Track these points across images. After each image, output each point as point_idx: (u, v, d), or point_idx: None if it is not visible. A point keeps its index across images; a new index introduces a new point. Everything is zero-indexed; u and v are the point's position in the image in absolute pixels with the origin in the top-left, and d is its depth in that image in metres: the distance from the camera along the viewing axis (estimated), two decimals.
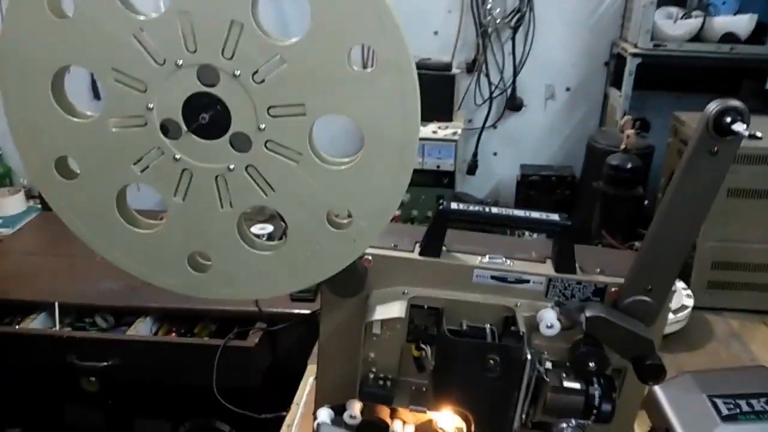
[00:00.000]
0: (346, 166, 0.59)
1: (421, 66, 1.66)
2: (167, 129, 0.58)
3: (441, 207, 0.68)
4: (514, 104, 1.96)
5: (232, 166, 0.59)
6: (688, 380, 0.97)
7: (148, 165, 0.59)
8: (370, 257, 0.69)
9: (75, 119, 0.59)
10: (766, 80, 1.66)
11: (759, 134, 0.58)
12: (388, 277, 0.69)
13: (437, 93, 1.62)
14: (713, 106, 0.60)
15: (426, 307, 0.69)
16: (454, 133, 1.55)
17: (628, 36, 1.72)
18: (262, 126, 0.58)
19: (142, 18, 0.55)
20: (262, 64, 0.55)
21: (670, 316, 1.16)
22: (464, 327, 0.68)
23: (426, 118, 1.63)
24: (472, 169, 2.03)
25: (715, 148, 0.60)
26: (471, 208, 0.68)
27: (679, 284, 1.24)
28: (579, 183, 1.59)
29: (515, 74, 1.92)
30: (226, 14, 0.54)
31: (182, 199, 0.60)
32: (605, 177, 1.34)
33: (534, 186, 1.77)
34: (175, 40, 0.55)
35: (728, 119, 0.58)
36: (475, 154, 2.02)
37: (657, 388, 0.97)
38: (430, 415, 0.72)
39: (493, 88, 1.94)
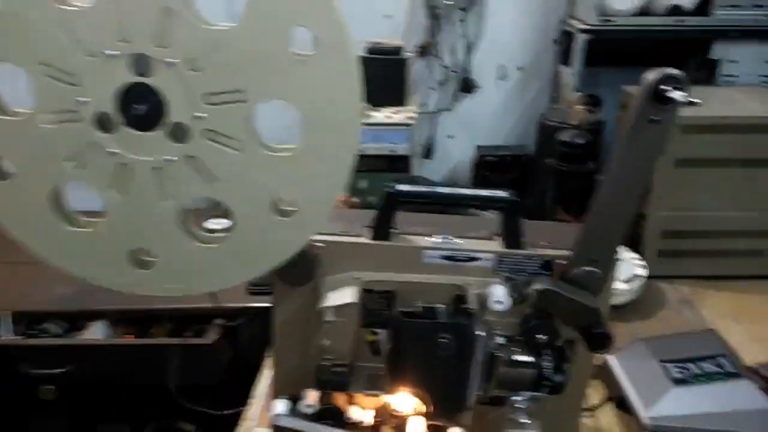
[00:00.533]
0: (289, 152, 0.59)
1: (372, 50, 1.66)
2: (101, 122, 0.57)
3: (389, 189, 0.69)
4: (467, 86, 1.97)
5: (170, 158, 0.58)
6: (641, 347, 1.00)
7: (83, 161, 0.58)
8: (321, 244, 0.69)
9: (4, 117, 0.57)
10: (709, 51, 1.71)
11: (697, 101, 0.60)
12: (340, 263, 0.70)
13: (389, 77, 1.62)
14: (652, 76, 0.61)
15: (379, 290, 0.70)
16: (409, 118, 1.56)
17: (576, 12, 1.74)
18: (201, 115, 0.57)
19: (70, 8, 0.54)
20: (198, 52, 0.55)
21: (624, 286, 1.19)
22: (417, 308, 0.69)
23: (379, 103, 1.65)
24: (428, 152, 2.04)
25: (655, 117, 0.62)
26: (418, 188, 0.69)
27: (632, 255, 1.28)
28: (534, 161, 1.62)
29: (468, 56, 1.94)
30: (159, 1, 0.53)
31: (120, 195, 0.59)
32: (557, 153, 1.37)
33: (490, 167, 1.79)
34: (107, 30, 0.54)
35: (666, 87, 0.60)
36: (430, 138, 2.03)
37: (610, 357, 1.00)
38: (388, 398, 0.73)
39: (446, 70, 1.95)
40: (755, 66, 1.74)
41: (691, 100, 0.59)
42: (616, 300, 1.19)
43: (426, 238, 0.72)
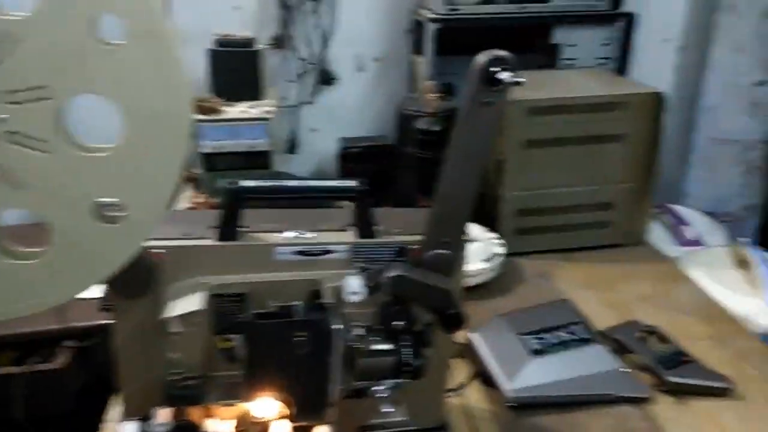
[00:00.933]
0: (107, 152, 0.54)
1: (222, 43, 1.59)
2: None
3: (230, 186, 0.66)
4: (325, 78, 1.96)
5: None
6: (500, 322, 1.04)
7: None
8: (160, 249, 0.65)
9: None
10: (550, 36, 1.82)
11: (521, 80, 0.62)
12: (184, 269, 0.66)
13: (242, 71, 1.56)
14: (481, 59, 0.63)
15: (229, 294, 0.66)
16: (266, 112, 1.52)
17: (425, 2, 1.78)
18: (1, 116, 0.51)
19: None
20: None
21: (484, 265, 1.24)
22: (272, 309, 0.66)
23: (233, 98, 1.59)
24: (292, 147, 2.00)
25: (487, 99, 0.63)
26: (262, 184, 0.66)
27: (490, 234, 1.33)
28: (395, 150, 1.65)
29: (323, 48, 1.92)
30: None
31: None
32: (415, 141, 1.40)
33: (355, 159, 1.79)
34: None
35: (495, 69, 0.62)
36: (293, 132, 1.99)
37: (473, 335, 1.04)
38: (248, 405, 0.70)
39: (303, 63, 1.92)
40: (592, 49, 1.87)
41: (518, 80, 0.61)
42: (478, 279, 1.23)
43: (277, 234, 0.69)
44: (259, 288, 0.67)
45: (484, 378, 0.99)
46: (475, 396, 0.98)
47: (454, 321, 0.66)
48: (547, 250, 1.40)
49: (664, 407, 0.96)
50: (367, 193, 0.69)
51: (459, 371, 1.01)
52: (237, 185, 0.65)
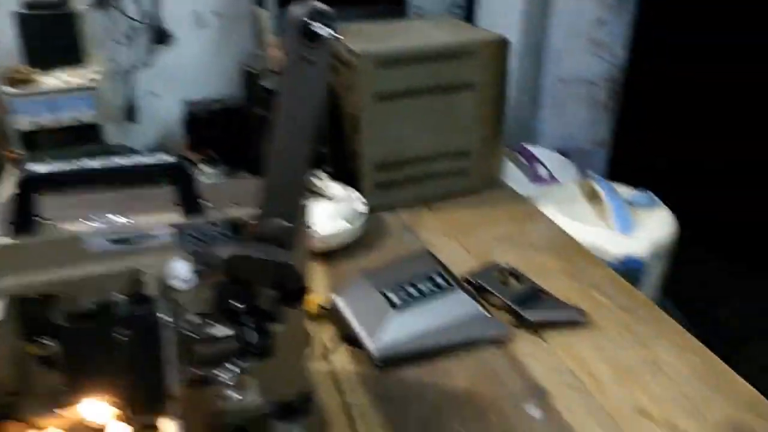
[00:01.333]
0: None
1: (31, 5, 1.40)
2: None
3: (20, 174, 0.56)
4: (160, 37, 1.81)
5: None
6: (361, 281, 1.03)
7: None
8: None
9: None
10: None
11: (340, 36, 0.59)
12: None
13: (58, 35, 1.39)
14: (296, 11, 0.58)
15: (35, 296, 0.58)
16: (91, 80, 1.37)
17: None
18: None
19: None
20: None
21: (347, 225, 1.21)
22: (88, 307, 0.59)
23: (49, 66, 1.42)
24: (131, 115, 1.85)
25: (308, 56, 0.59)
26: (59, 168, 0.58)
27: (352, 192, 1.31)
28: (245, 111, 1.56)
29: (155, 4, 1.76)
30: None
31: None
32: (261, 101, 1.32)
33: (202, 123, 1.68)
34: None
35: (312, 23, 0.58)
36: (130, 99, 1.84)
37: (336, 297, 1.02)
38: (81, 410, 0.63)
39: (132, 22, 1.76)
40: None
41: (336, 35, 0.57)
42: (342, 240, 1.21)
43: (87, 222, 0.61)
44: (72, 285, 0.59)
45: (350, 340, 0.98)
46: (341, 359, 0.96)
47: (295, 295, 0.63)
48: (408, 203, 1.40)
49: (524, 344, 1.00)
50: (184, 169, 0.63)
51: (326, 335, 0.99)
52: (27, 172, 0.56)
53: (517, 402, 0.89)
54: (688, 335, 1.02)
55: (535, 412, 0.87)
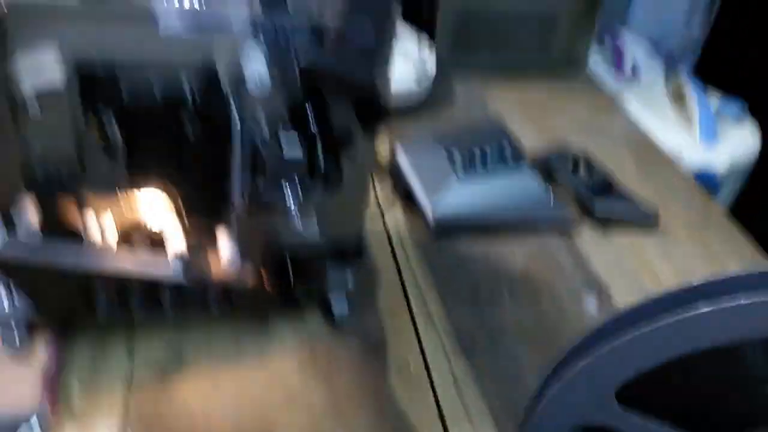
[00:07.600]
0: None
1: None
2: None
3: None
4: None
5: None
6: (427, 138, 0.99)
7: None
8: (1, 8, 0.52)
9: None
10: None
11: None
12: (36, 35, 0.53)
13: None
14: None
15: (99, 70, 0.55)
16: None
17: None
18: None
19: None
20: None
21: (415, 87, 1.16)
22: (153, 91, 0.56)
23: None
24: None
25: None
26: None
27: (424, 50, 1.24)
28: None
29: None
30: None
31: None
32: None
33: None
34: None
35: None
36: None
37: (398, 148, 0.99)
38: (134, 202, 0.62)
39: None
40: None
41: None
42: (409, 102, 1.17)
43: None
44: (138, 65, 0.56)
45: (408, 198, 0.96)
46: (397, 218, 0.95)
47: (375, 119, 0.59)
48: (483, 71, 1.33)
49: (588, 237, 0.97)
50: None
51: (382, 191, 0.97)
52: None
53: (572, 292, 0.87)
54: (761, 256, 0.98)
55: (590, 304, 0.86)
